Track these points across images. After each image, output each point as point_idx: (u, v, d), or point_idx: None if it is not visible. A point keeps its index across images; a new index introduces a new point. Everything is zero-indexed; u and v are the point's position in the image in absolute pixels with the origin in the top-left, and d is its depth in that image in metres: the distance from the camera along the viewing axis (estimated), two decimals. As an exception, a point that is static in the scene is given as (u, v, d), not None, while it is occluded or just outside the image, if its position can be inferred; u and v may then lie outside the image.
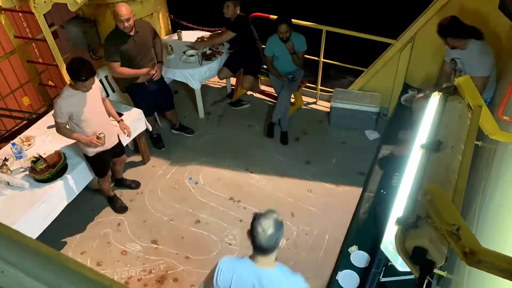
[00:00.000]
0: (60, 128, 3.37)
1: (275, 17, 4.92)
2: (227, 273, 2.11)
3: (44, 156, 3.55)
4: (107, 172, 3.90)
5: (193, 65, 4.90)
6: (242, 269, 2.10)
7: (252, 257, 2.08)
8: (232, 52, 5.19)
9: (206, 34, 5.42)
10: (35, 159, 3.42)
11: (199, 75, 4.92)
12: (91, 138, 3.41)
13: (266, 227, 1.96)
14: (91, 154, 3.59)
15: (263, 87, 5.60)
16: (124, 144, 4.08)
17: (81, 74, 3.12)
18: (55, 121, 3.34)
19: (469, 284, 1.86)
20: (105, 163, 3.80)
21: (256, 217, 2.01)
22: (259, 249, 2.01)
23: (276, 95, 5.14)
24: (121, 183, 4.41)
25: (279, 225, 2.00)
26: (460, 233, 1.04)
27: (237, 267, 2.12)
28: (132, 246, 3.92)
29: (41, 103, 5.79)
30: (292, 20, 4.62)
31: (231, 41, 5.03)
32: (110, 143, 3.66)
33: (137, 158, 4.72)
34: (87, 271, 0.60)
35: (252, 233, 2.00)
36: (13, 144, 3.63)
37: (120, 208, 4.19)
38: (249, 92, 5.57)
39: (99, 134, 3.43)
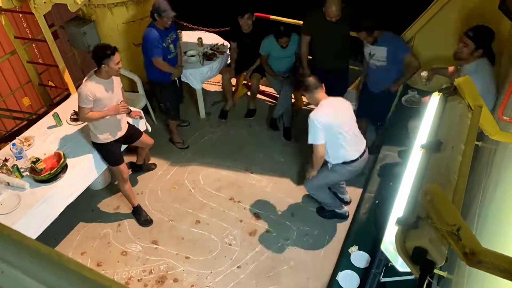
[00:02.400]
0: (83, 114, 3.41)
1: (275, 17, 4.93)
2: (324, 114, 3.27)
3: (44, 157, 3.55)
4: (119, 161, 3.80)
5: (194, 65, 4.90)
6: (325, 104, 3.31)
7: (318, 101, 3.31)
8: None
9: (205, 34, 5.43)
10: (35, 160, 3.42)
11: (200, 75, 4.92)
12: (116, 107, 3.51)
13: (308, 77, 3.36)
14: (101, 142, 3.63)
15: (262, 87, 5.59)
16: (142, 129, 4.16)
17: (108, 49, 3.27)
18: (80, 107, 3.40)
19: (469, 285, 1.86)
20: (115, 151, 3.77)
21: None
22: (314, 87, 3.30)
23: (276, 94, 5.16)
24: (140, 168, 4.57)
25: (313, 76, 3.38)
26: (460, 234, 1.04)
27: (323, 106, 3.32)
28: (132, 246, 3.92)
29: (41, 104, 5.79)
30: (293, 20, 4.61)
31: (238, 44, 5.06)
32: (121, 133, 3.74)
33: (137, 158, 4.72)
34: (87, 272, 0.60)
35: (305, 84, 3.30)
36: (13, 144, 3.63)
37: (144, 221, 4.08)
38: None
39: (120, 102, 3.61)
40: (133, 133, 3.94)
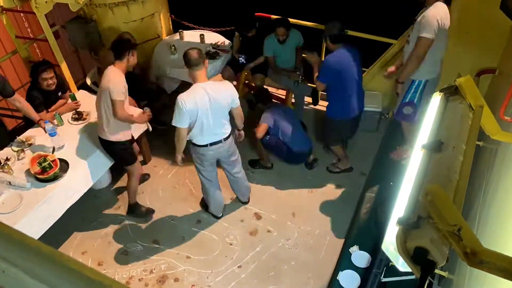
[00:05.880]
0: (122, 109, 3.33)
1: (276, 17, 4.93)
2: (190, 99, 3.10)
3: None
4: (135, 159, 3.85)
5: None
6: (197, 89, 3.13)
7: (195, 81, 3.17)
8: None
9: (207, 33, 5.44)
10: (42, 160, 3.42)
11: (204, 74, 4.93)
12: (142, 116, 3.64)
13: (192, 50, 3.13)
14: (119, 140, 3.59)
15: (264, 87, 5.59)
16: (144, 129, 4.20)
17: (131, 41, 3.45)
18: (117, 101, 3.27)
19: (470, 285, 1.86)
20: (131, 150, 3.82)
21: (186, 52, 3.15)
22: (194, 64, 3.09)
23: (279, 95, 5.19)
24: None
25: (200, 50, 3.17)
26: (461, 234, 1.04)
27: (193, 91, 3.14)
28: (133, 246, 3.92)
29: (42, 103, 5.78)
30: (294, 20, 4.62)
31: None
32: (132, 132, 3.80)
33: (138, 158, 4.71)
34: (88, 271, 0.60)
35: (186, 59, 3.12)
36: (46, 122, 3.66)
37: (145, 213, 4.13)
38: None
39: (145, 109, 3.75)
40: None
